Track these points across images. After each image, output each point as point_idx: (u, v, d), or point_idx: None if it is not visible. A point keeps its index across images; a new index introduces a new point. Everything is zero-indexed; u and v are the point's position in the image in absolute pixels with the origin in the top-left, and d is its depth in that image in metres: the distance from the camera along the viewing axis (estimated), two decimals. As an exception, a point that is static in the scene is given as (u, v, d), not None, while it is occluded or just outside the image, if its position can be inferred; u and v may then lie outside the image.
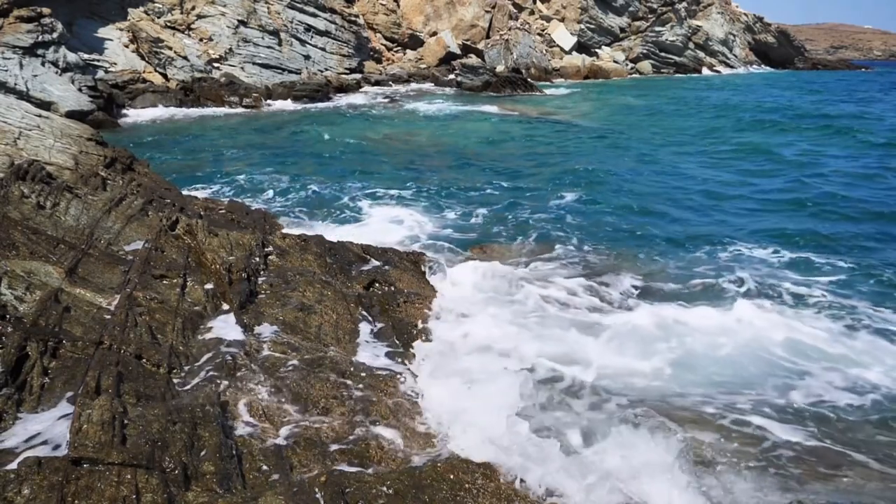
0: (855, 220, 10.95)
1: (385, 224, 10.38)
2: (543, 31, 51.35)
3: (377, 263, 7.12)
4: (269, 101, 28.91)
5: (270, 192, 12.30)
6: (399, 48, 44.39)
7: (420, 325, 5.88)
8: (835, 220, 10.89)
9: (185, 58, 29.06)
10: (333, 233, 9.68)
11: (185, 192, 9.73)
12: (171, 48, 28.82)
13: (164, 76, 28.29)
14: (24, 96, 18.49)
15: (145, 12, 29.48)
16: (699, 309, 6.99)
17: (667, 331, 6.36)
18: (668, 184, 13.75)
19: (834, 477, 4.40)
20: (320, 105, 28.76)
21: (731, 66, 64.61)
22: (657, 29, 57.90)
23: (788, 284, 7.87)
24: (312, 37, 35.38)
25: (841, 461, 4.57)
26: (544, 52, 48.81)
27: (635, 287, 7.73)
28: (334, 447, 3.82)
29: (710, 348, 6.11)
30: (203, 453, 3.37)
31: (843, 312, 7.11)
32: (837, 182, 13.84)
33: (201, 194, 10.80)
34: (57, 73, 21.86)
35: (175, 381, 4.16)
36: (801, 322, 6.74)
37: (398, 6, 45.48)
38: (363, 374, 4.69)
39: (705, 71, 60.60)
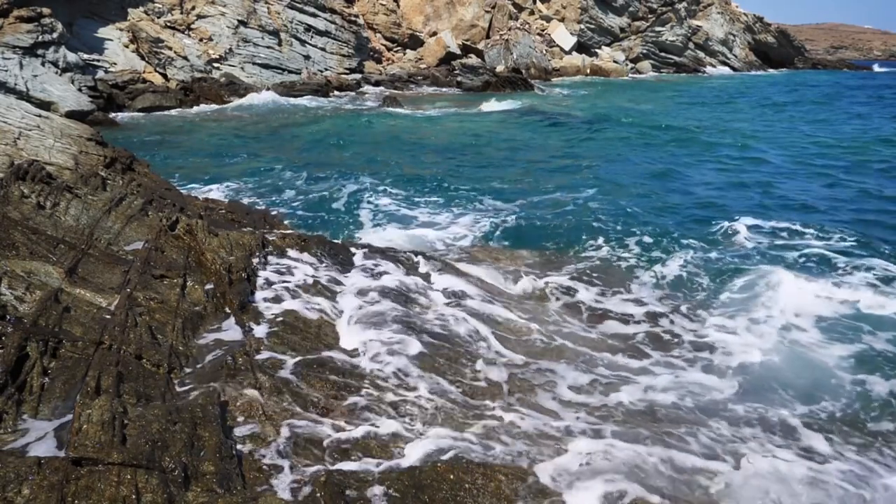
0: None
1: (388, 224, 10.38)
2: (543, 31, 51.34)
3: (377, 262, 7.11)
4: (274, 99, 29.05)
5: (271, 192, 12.30)
6: (399, 48, 44.38)
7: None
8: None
9: (185, 58, 29.07)
10: (334, 232, 9.70)
11: (184, 192, 9.73)
12: (171, 48, 28.82)
13: (164, 76, 28.30)
14: (24, 96, 18.50)
15: (145, 12, 29.48)
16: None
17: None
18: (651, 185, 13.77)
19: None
20: (321, 105, 28.75)
21: (733, 67, 64.55)
22: (657, 29, 57.89)
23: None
24: (312, 37, 35.38)
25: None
26: (544, 52, 48.81)
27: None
28: (334, 447, 3.83)
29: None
30: (203, 453, 3.36)
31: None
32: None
33: (201, 194, 10.80)
34: (57, 73, 21.86)
35: (175, 381, 4.16)
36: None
37: (398, 6, 45.48)
38: (364, 374, 4.70)
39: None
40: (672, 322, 6.82)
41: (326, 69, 35.38)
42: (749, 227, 10.12)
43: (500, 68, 41.65)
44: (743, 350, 6.15)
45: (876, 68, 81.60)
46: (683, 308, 7.21)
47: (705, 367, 5.86)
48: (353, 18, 38.23)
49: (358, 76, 36.82)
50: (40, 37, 22.02)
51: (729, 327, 6.71)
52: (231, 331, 4.94)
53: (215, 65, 30.21)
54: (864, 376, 5.74)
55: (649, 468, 4.03)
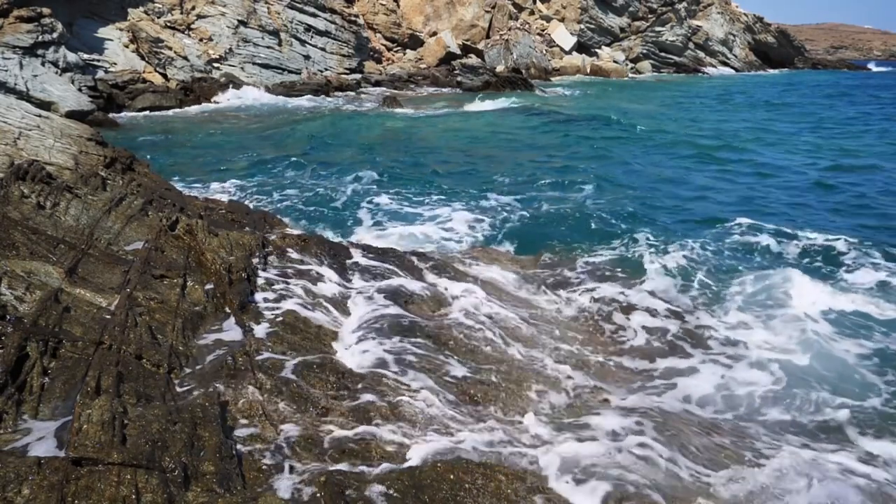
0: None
1: (388, 224, 10.37)
2: (543, 31, 51.34)
3: (377, 264, 7.11)
4: (273, 98, 29.04)
5: (271, 192, 12.29)
6: (399, 48, 44.38)
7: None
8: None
9: (185, 58, 29.06)
10: (335, 233, 9.70)
11: (184, 192, 9.72)
12: (171, 48, 28.82)
13: (164, 76, 28.29)
14: (24, 96, 18.50)
15: (145, 12, 29.47)
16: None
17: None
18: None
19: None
20: (321, 105, 28.74)
21: (733, 67, 64.54)
22: (657, 29, 57.89)
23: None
24: (312, 37, 35.37)
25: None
26: (544, 52, 48.82)
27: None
28: (334, 447, 3.82)
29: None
30: (203, 453, 3.36)
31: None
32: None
33: (201, 194, 10.80)
34: (57, 73, 21.86)
35: (175, 381, 4.16)
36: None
37: (398, 6, 45.48)
38: (363, 375, 4.69)
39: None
40: (696, 321, 6.84)
41: (326, 69, 35.37)
42: (752, 227, 10.12)
43: (500, 68, 41.66)
44: (769, 348, 6.19)
45: (872, 67, 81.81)
46: (701, 308, 7.22)
47: (734, 367, 5.89)
48: (353, 18, 38.22)
49: (358, 76, 36.80)
50: (40, 37, 22.01)
51: (751, 324, 6.76)
52: (231, 331, 4.94)
53: (215, 65, 30.20)
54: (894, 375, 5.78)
55: (665, 469, 4.01)
